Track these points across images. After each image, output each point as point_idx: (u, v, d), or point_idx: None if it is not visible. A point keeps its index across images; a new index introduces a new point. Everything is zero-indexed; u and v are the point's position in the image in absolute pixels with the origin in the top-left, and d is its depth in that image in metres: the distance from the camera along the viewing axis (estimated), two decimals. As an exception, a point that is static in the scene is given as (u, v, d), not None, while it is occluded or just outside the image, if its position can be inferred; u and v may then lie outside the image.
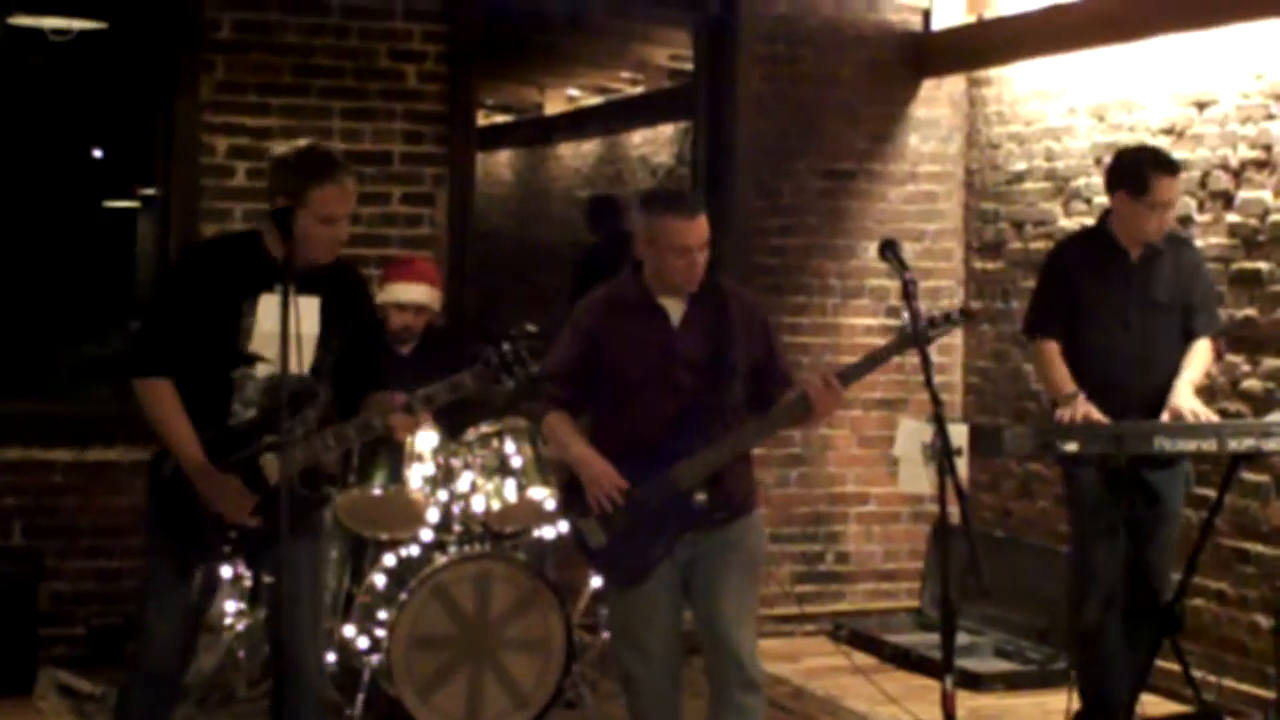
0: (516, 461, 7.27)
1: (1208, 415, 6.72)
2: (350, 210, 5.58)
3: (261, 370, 5.48)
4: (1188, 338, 6.91)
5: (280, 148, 5.65)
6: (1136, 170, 6.83)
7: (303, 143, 5.66)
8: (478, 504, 7.24)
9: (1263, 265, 7.56)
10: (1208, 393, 7.64)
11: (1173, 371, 6.83)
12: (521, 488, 7.25)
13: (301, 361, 5.14)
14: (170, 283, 5.71)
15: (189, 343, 5.47)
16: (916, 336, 5.50)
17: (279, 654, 5.61)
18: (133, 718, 5.71)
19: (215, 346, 5.47)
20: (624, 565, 5.79)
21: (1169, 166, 6.86)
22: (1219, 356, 7.23)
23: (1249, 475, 7.37)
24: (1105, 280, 6.88)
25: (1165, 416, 6.71)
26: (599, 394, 5.87)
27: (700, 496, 5.71)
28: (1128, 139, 8.15)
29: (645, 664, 5.81)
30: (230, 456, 5.44)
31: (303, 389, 5.49)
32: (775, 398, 5.81)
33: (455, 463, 7.26)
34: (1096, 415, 6.65)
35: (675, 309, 5.78)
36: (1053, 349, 6.92)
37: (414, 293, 7.61)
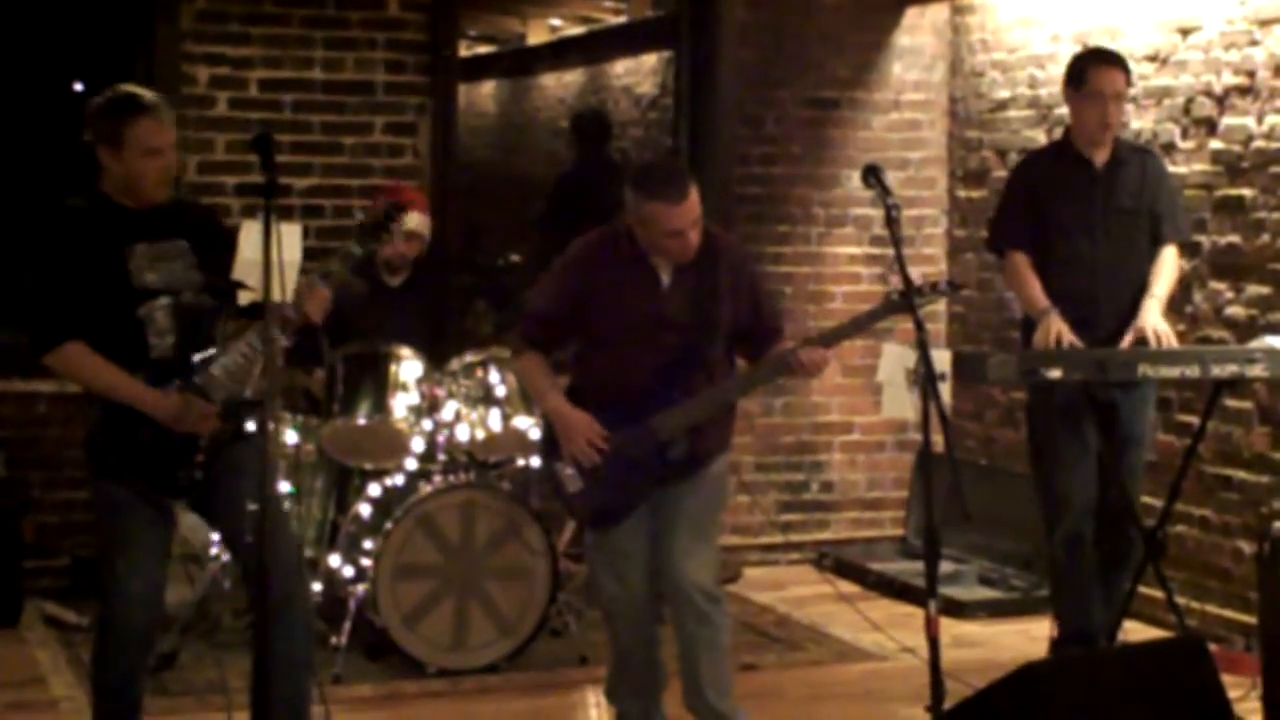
0: (501, 391, 7.27)
1: (1170, 336, 6.74)
2: (171, 141, 5.60)
3: (162, 300, 5.52)
4: (1154, 245, 6.91)
5: (93, 99, 5.64)
6: (1074, 65, 6.93)
7: (111, 90, 5.66)
8: (462, 433, 7.25)
9: (1246, 192, 7.55)
10: (1190, 319, 7.66)
11: (1142, 278, 6.84)
12: (506, 417, 7.26)
13: (285, 289, 5.14)
14: (41, 253, 5.58)
15: (80, 302, 5.47)
16: (907, 303, 5.53)
17: (249, 571, 5.67)
18: (111, 678, 5.67)
19: (113, 292, 5.49)
20: (599, 511, 5.88)
21: (1106, 57, 6.93)
22: (1202, 284, 7.22)
23: (1232, 402, 7.38)
24: (1070, 191, 6.88)
25: (1129, 335, 6.71)
26: (582, 340, 5.90)
27: (678, 447, 5.79)
28: (1112, 66, 8.14)
29: (625, 593, 5.92)
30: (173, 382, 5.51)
31: (204, 306, 5.60)
32: (766, 349, 5.89)
33: (440, 392, 7.26)
34: (1068, 334, 6.65)
35: (665, 267, 5.78)
36: (1022, 260, 6.91)
37: (410, 220, 7.59)
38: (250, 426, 5.67)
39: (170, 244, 5.58)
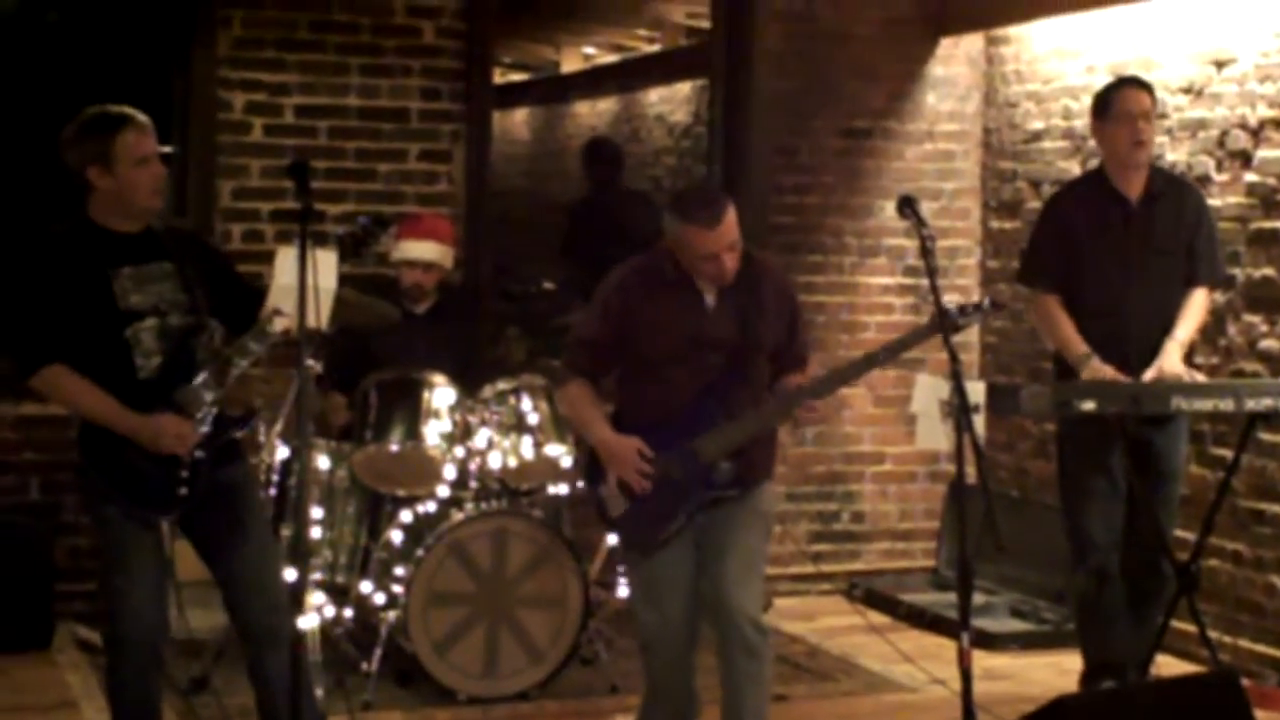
0: (533, 418, 7.28)
1: (1191, 379, 6.70)
2: (156, 150, 5.62)
3: (149, 321, 5.55)
4: (1189, 284, 6.85)
5: (66, 128, 5.64)
6: (1097, 97, 6.90)
7: (83, 113, 5.67)
8: (494, 461, 7.26)
9: (1281, 225, 7.55)
10: (1224, 352, 7.64)
11: (1175, 316, 6.80)
12: (538, 445, 7.27)
13: (320, 315, 5.15)
14: (19, 277, 5.63)
15: (65, 325, 5.51)
16: (944, 324, 5.50)
17: (235, 600, 5.74)
18: (126, 695, 5.72)
19: (98, 314, 5.52)
20: (644, 534, 5.85)
21: (1127, 80, 6.96)
22: (1236, 317, 7.19)
23: (1266, 435, 7.36)
24: (1104, 226, 6.81)
25: (1150, 374, 6.66)
26: (627, 365, 5.90)
27: (723, 468, 5.78)
28: (1146, 98, 8.13)
29: (663, 622, 5.87)
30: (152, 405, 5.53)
31: (191, 327, 5.61)
32: (778, 375, 5.89)
33: (472, 419, 7.27)
34: (1113, 375, 6.62)
35: (710, 289, 5.79)
36: (1053, 303, 6.86)
37: (423, 250, 7.60)
38: (278, 451, 5.67)
39: (156, 266, 5.61)
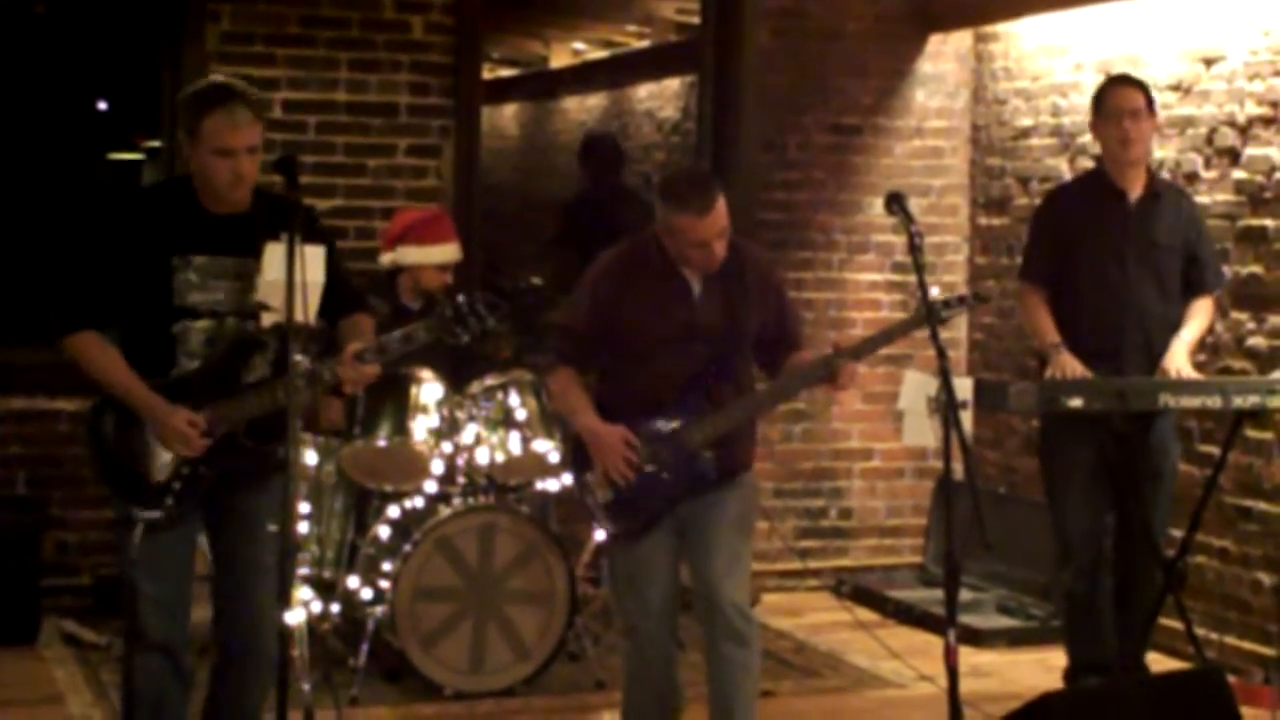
0: (521, 414, 7.28)
1: (1192, 378, 6.71)
2: (249, 144, 5.29)
3: (202, 322, 5.37)
4: (1191, 291, 6.87)
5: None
6: (1095, 93, 6.96)
7: (208, 78, 5.51)
8: (482, 456, 7.26)
9: (1269, 222, 7.54)
10: (1211, 349, 7.65)
11: (1170, 313, 6.80)
12: (526, 440, 7.26)
13: (307, 311, 5.09)
14: (91, 235, 5.44)
15: (119, 298, 5.34)
16: (930, 316, 5.51)
17: (223, 616, 5.54)
18: (136, 688, 5.43)
19: (150, 302, 5.33)
20: (629, 519, 5.84)
21: (1121, 78, 7.02)
22: (1224, 314, 7.22)
23: (1252, 432, 7.36)
24: (1101, 222, 6.84)
25: (1157, 377, 6.69)
26: (611, 350, 5.89)
27: (707, 456, 5.78)
28: (1135, 95, 8.13)
29: (645, 614, 5.87)
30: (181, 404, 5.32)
31: (250, 339, 5.41)
32: (783, 360, 5.89)
33: (460, 415, 7.27)
34: (1080, 369, 6.64)
35: (696, 276, 5.78)
36: (1036, 297, 6.92)
37: (451, 252, 7.63)
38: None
39: (236, 261, 5.36)
